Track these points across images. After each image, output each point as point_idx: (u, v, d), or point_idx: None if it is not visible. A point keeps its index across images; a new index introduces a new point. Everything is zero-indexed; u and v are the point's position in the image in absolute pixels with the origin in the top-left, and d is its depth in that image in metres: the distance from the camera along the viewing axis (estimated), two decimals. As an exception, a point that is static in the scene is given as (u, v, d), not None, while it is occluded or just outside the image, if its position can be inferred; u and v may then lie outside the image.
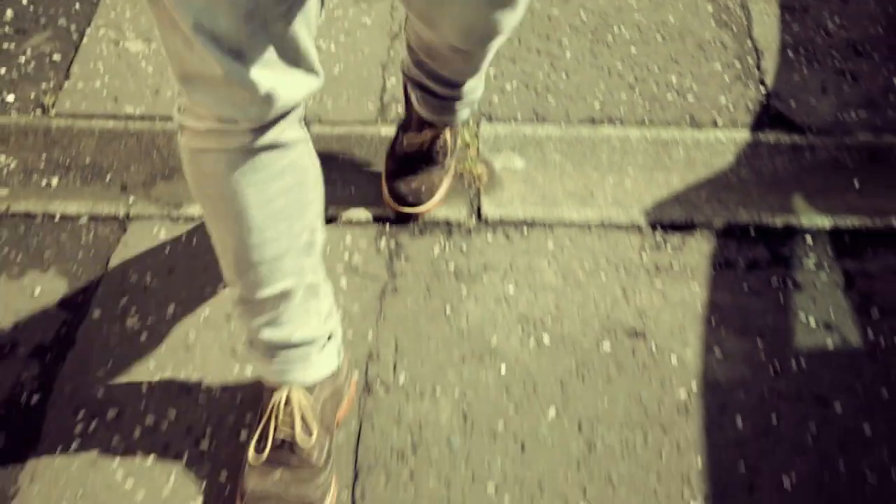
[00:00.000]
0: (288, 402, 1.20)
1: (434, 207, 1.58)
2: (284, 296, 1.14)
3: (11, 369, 1.36)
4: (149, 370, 1.37)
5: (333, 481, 1.22)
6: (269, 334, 1.17)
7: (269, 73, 0.95)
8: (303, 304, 1.17)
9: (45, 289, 1.48)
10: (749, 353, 1.40)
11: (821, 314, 1.46)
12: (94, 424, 1.30)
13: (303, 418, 1.20)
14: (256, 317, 1.16)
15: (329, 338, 1.23)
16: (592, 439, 1.29)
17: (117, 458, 1.26)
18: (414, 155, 1.57)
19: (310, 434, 1.20)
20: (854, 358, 1.40)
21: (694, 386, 1.36)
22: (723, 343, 1.42)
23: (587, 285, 1.50)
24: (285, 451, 1.19)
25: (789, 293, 1.49)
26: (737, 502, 1.23)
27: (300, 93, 1.00)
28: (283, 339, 1.17)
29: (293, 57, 0.97)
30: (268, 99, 0.96)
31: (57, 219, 1.60)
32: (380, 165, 1.67)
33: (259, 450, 1.20)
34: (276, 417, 1.20)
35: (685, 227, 1.60)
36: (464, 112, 1.49)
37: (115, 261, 1.52)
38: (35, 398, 1.33)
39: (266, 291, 1.12)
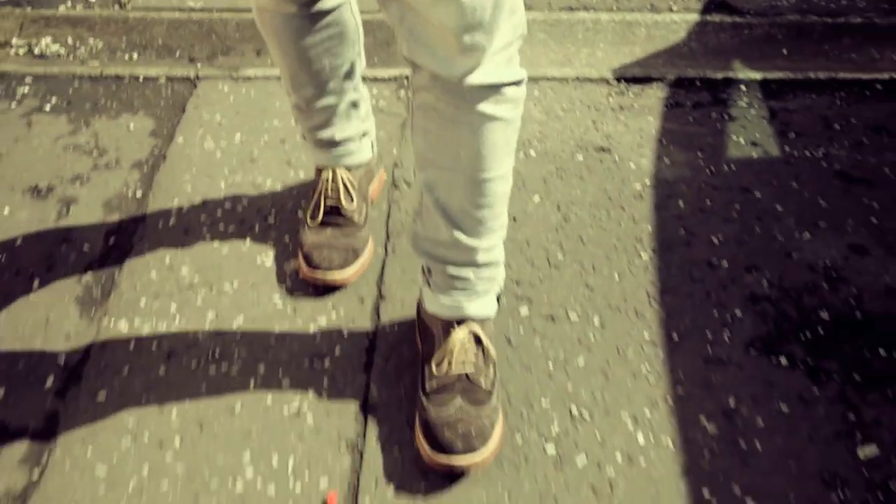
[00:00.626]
0: (334, 177, 1.58)
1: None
2: (330, 108, 1.51)
3: (118, 177, 1.76)
4: (224, 175, 1.76)
5: (371, 238, 1.60)
6: (319, 134, 1.55)
7: None
8: (345, 113, 1.55)
9: (137, 126, 1.87)
10: (691, 161, 1.80)
11: (749, 136, 1.85)
12: (185, 209, 1.69)
13: (346, 189, 1.58)
14: (309, 120, 1.54)
15: (364, 134, 1.61)
16: (568, 214, 1.68)
17: (205, 228, 1.65)
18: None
19: (351, 200, 1.58)
20: (773, 163, 1.79)
21: (647, 181, 1.75)
22: (671, 155, 1.81)
23: (565, 119, 1.89)
24: (333, 214, 1.58)
25: (725, 123, 1.89)
26: (676, 252, 1.62)
27: None
28: (329, 137, 1.55)
29: None
30: None
31: (141, 79, 1.99)
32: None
33: (314, 216, 1.58)
34: (326, 189, 1.58)
35: (644, 80, 1.99)
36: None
37: (190, 107, 1.92)
38: (139, 194, 1.72)
39: (315, 104, 1.50)
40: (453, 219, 1.23)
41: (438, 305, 1.33)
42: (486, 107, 1.09)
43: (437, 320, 1.34)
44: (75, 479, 1.27)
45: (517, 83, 1.10)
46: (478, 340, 1.33)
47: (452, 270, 1.29)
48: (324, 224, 1.57)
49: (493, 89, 1.08)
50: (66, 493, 1.26)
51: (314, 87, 1.47)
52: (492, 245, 1.28)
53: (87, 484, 1.27)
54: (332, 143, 1.56)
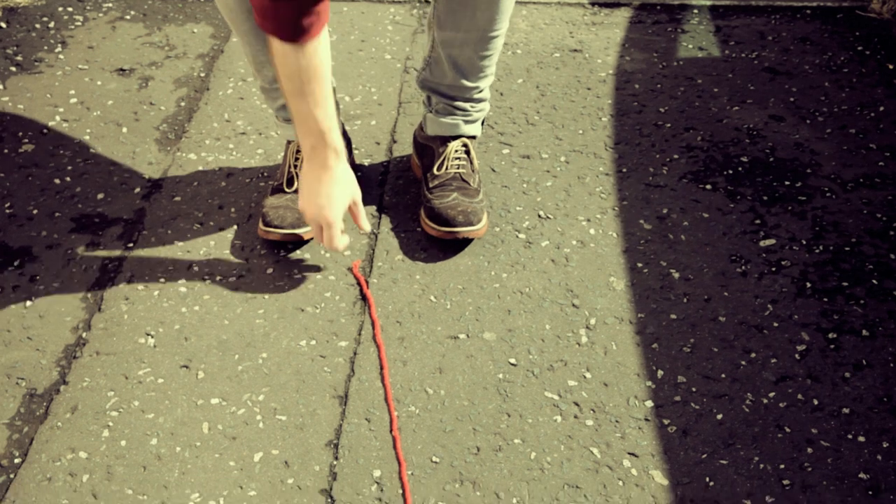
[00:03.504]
0: (299, 148, 1.65)
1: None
2: None
3: (186, 63, 2.19)
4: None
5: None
6: (286, 112, 1.67)
7: None
8: None
9: (199, 30, 2.31)
10: (647, 59, 2.22)
11: (696, 43, 2.27)
12: (240, 84, 2.12)
13: None
14: (275, 101, 1.68)
15: None
16: (544, 91, 2.10)
17: (255, 97, 2.08)
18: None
19: None
20: (714, 61, 2.21)
21: (610, 72, 2.17)
22: (631, 55, 2.23)
23: (546, 30, 2.32)
24: (296, 182, 1.69)
25: (677, 34, 2.31)
26: (630, 117, 2.02)
27: None
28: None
29: None
30: None
31: (202, 0, 2.44)
32: (412, -28, 2.50)
33: (278, 184, 1.71)
34: (292, 160, 1.71)
35: (614, 5, 2.42)
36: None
37: (242, 19, 2.35)
38: (203, 74, 2.15)
39: (277, 84, 1.56)
40: (460, 68, 1.64)
41: (439, 126, 1.74)
42: None
43: (437, 138, 1.75)
44: (161, 252, 1.69)
45: None
46: (467, 151, 1.75)
47: (454, 102, 1.70)
48: (286, 190, 1.70)
49: None
50: (153, 258, 1.67)
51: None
52: (485, 86, 1.69)
53: (170, 252, 1.69)
54: None
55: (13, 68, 2.15)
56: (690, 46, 2.26)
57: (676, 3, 2.43)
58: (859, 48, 2.25)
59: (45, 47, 2.22)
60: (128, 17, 2.36)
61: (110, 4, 2.41)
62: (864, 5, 2.40)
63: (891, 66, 2.18)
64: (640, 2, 2.43)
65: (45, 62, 2.17)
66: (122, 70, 2.15)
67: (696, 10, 2.40)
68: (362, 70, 2.17)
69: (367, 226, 1.55)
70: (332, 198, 1.43)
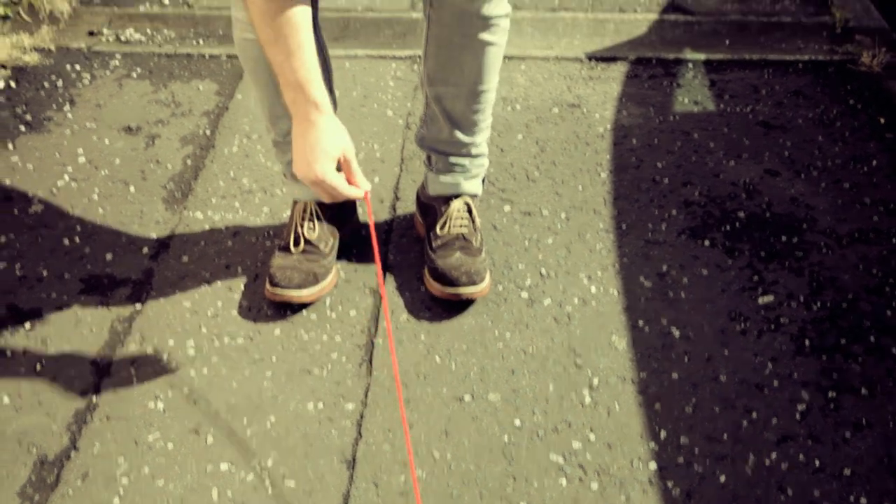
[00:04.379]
0: (306, 209, 1.75)
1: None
2: None
3: (191, 121, 2.23)
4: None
5: (335, 267, 1.76)
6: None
7: None
8: None
9: (204, 87, 2.36)
10: (644, 113, 2.26)
11: (692, 97, 2.32)
12: (245, 141, 2.16)
13: (317, 220, 1.76)
14: (285, 155, 1.69)
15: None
16: (544, 147, 2.14)
17: (260, 154, 2.11)
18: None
19: (318, 230, 1.74)
20: (709, 115, 2.25)
21: (608, 126, 2.21)
22: (628, 109, 2.28)
23: (545, 84, 2.37)
24: (302, 242, 1.72)
25: (673, 88, 2.36)
26: (628, 173, 2.06)
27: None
28: None
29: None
30: None
31: (207, 56, 2.49)
32: (412, 40, 2.55)
33: (285, 243, 1.74)
34: (300, 220, 1.73)
35: (611, 59, 2.48)
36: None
37: (245, 84, 2.40)
38: (208, 132, 2.19)
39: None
40: (455, 122, 1.68)
41: (441, 185, 1.77)
42: (486, 35, 1.56)
43: (439, 198, 1.79)
44: (169, 312, 1.71)
45: (507, 15, 1.57)
46: (469, 210, 1.78)
47: (452, 159, 1.74)
48: (292, 251, 1.73)
49: (494, 19, 1.54)
50: (161, 319, 1.70)
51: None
52: (481, 140, 1.73)
53: (178, 313, 1.71)
54: None
55: (22, 127, 2.19)
56: (686, 101, 2.31)
57: (671, 57, 2.48)
58: (851, 102, 2.30)
59: (54, 106, 2.26)
60: (134, 74, 2.40)
61: (117, 62, 2.45)
62: (854, 59, 2.46)
63: (882, 120, 2.23)
64: (636, 56, 2.48)
65: (54, 121, 2.21)
66: (129, 128, 2.19)
67: (690, 64, 2.45)
68: (364, 127, 2.21)
69: (364, 183, 1.41)
70: (316, 150, 1.36)
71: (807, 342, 1.65)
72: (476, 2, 1.51)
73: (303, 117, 1.36)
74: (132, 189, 2.01)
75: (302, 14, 1.29)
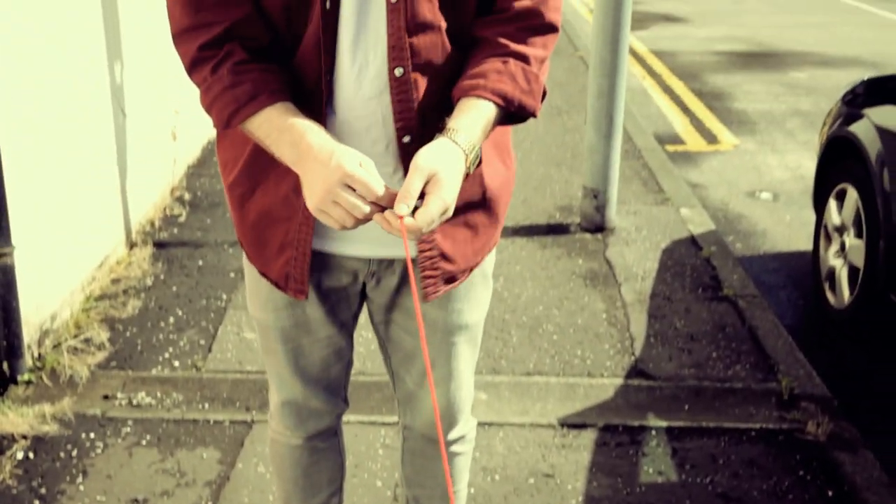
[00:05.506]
0: None
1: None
2: None
3: (194, 491, 2.40)
4: (271, 493, 2.40)
5: None
6: None
7: (326, 409, 1.72)
8: None
9: (208, 455, 2.55)
10: (612, 485, 2.46)
11: (656, 467, 2.53)
12: (242, 516, 2.31)
13: None
14: None
15: None
16: None
17: (257, 530, 2.26)
18: None
19: None
20: (672, 486, 2.45)
21: (580, 498, 2.40)
22: (598, 479, 2.48)
23: (521, 453, 2.59)
24: None
25: (639, 457, 2.58)
26: (600, 549, 2.22)
27: (335, 416, 1.77)
28: None
29: (343, 395, 1.77)
30: (320, 419, 1.73)
31: (211, 422, 2.71)
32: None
33: None
34: None
35: (581, 426, 2.72)
36: None
37: (247, 442, 2.61)
38: (210, 502, 2.36)
39: None
40: None
41: None
42: (455, 447, 1.80)
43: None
44: None
45: (473, 427, 1.82)
46: None
47: None
48: None
49: (461, 438, 1.79)
50: None
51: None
52: None
53: None
54: None
55: (37, 502, 2.35)
56: (651, 471, 2.52)
57: (636, 424, 2.73)
58: (801, 473, 2.51)
59: (67, 478, 2.44)
60: (144, 441, 2.61)
61: (128, 429, 2.67)
62: (801, 427, 2.71)
63: (830, 493, 2.43)
64: (605, 422, 2.73)
65: (67, 494, 2.38)
66: (135, 500, 2.36)
67: (654, 432, 2.70)
68: (355, 498, 2.38)
69: (384, 191, 1.26)
70: (336, 153, 1.26)
71: None
72: (442, 427, 1.75)
73: (306, 150, 1.29)
74: (135, 567, 2.13)
75: (277, 110, 1.31)
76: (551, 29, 1.43)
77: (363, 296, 1.60)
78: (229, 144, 1.50)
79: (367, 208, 1.25)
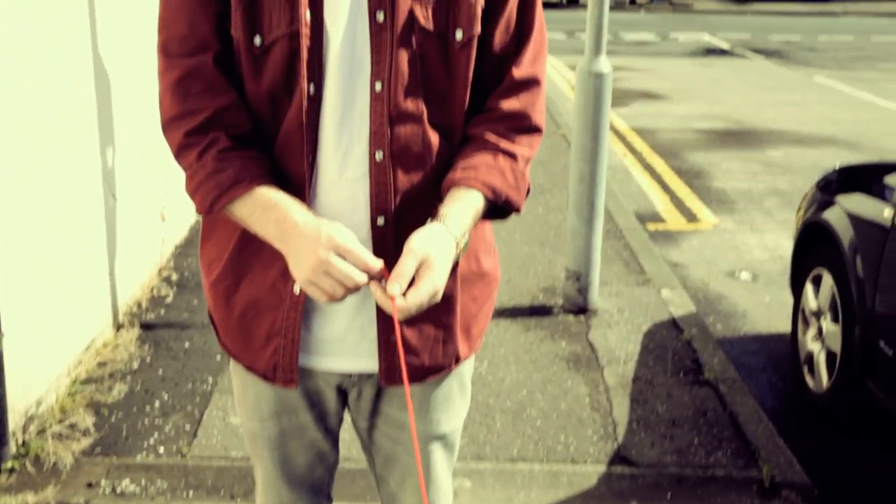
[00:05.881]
0: None
1: None
2: None
3: None
4: None
5: None
6: None
7: None
8: None
9: (191, 547, 2.55)
10: None
11: (639, 558, 2.54)
12: None
13: None
14: None
15: None
16: None
17: None
18: None
19: None
20: (656, 579, 2.46)
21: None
22: (582, 572, 2.48)
23: (506, 544, 2.59)
24: None
25: (622, 548, 2.59)
26: None
27: None
28: None
29: (327, 493, 1.76)
30: None
31: (195, 512, 2.71)
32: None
33: None
34: None
35: (565, 515, 2.73)
36: None
37: (231, 533, 2.61)
38: None
39: None
40: None
41: None
42: None
43: None
44: None
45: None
46: None
47: None
48: None
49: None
50: None
51: None
52: None
53: None
54: None
55: None
56: (634, 562, 2.53)
57: (619, 513, 2.74)
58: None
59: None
60: (127, 532, 2.60)
61: (111, 518, 2.66)
62: (782, 516, 2.74)
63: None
64: (588, 512, 2.74)
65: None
66: None
67: (637, 521, 2.71)
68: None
69: (375, 262, 1.31)
70: (321, 226, 1.31)
71: None
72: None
73: (291, 227, 1.33)
74: None
75: (259, 192, 1.36)
76: (537, 130, 1.53)
77: (345, 403, 1.64)
78: (214, 243, 1.54)
79: (360, 277, 1.28)
